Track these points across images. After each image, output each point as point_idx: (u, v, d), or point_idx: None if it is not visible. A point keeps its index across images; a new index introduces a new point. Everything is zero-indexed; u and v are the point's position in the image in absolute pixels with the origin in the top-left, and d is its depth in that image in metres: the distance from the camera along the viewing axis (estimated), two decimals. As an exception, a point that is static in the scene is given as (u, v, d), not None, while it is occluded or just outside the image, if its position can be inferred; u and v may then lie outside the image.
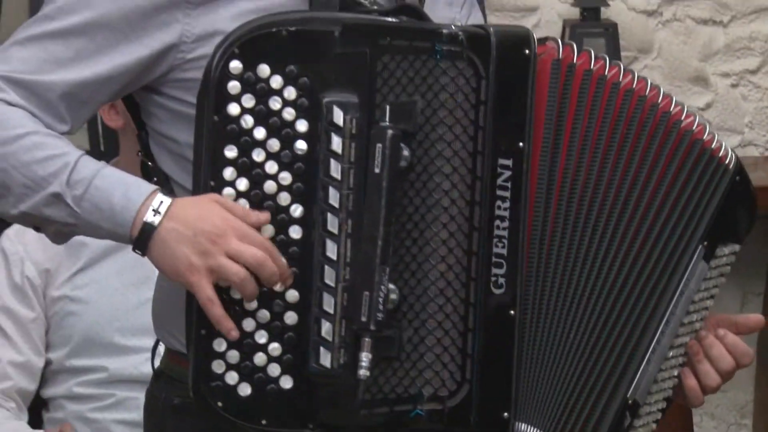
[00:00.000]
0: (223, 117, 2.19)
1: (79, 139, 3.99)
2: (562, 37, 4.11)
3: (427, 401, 2.20)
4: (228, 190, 2.18)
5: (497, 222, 2.21)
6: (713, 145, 2.31)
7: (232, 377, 2.17)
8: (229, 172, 2.19)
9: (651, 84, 2.30)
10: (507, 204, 2.21)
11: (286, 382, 2.17)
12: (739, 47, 4.36)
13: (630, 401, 2.29)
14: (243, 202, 2.19)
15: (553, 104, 2.24)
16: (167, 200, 2.19)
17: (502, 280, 2.22)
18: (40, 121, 2.26)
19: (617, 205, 2.28)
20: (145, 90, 2.33)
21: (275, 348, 2.18)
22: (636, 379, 2.29)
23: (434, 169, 2.21)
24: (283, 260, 2.17)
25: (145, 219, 2.18)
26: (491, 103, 2.21)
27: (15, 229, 3.43)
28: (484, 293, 2.20)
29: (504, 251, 2.21)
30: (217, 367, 2.17)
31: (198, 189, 2.22)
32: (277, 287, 2.17)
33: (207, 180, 2.19)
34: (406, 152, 2.18)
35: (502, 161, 2.21)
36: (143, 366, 3.28)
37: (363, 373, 2.15)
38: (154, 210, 2.18)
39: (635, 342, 2.28)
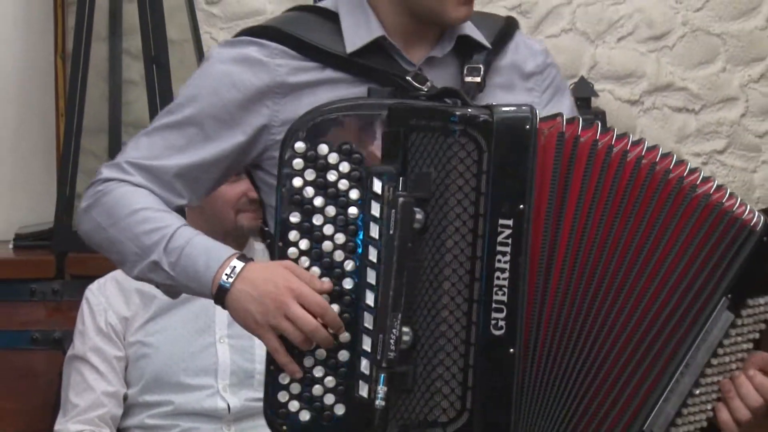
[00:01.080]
0: (288, 189, 2.24)
1: None
2: (559, 123, 4.15)
3: (431, 426, 2.20)
4: (292, 250, 2.24)
5: (498, 273, 2.19)
6: (736, 209, 2.24)
7: (294, 405, 2.24)
8: (293, 235, 2.24)
9: (662, 153, 2.25)
10: (507, 258, 2.19)
11: (339, 409, 2.23)
12: (708, 131, 4.30)
13: None
14: (304, 260, 2.24)
15: (557, 171, 2.21)
16: (240, 265, 2.25)
17: (502, 323, 2.19)
18: (160, 198, 2.34)
19: (625, 262, 2.23)
20: (254, 167, 2.39)
21: (330, 380, 2.23)
22: (653, 414, 2.25)
23: (441, 229, 2.21)
24: (336, 317, 2.22)
25: (220, 282, 2.25)
26: (492, 173, 2.19)
27: (98, 284, 3.42)
28: (485, 335, 2.19)
29: (504, 298, 2.19)
30: (282, 396, 2.24)
31: (273, 252, 2.30)
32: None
33: (277, 242, 2.26)
34: (419, 215, 2.20)
35: (503, 221, 2.19)
36: (204, 401, 3.32)
37: (378, 403, 2.18)
38: (227, 274, 2.24)
39: (651, 382, 2.25)
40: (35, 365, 3.74)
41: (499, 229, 2.20)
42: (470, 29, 2.40)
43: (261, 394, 3.32)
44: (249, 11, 4.13)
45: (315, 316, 2.21)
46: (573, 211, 2.23)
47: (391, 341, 2.19)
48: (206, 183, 2.40)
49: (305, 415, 2.24)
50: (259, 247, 3.50)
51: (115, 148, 3.95)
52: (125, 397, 3.39)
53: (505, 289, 2.20)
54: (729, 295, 2.25)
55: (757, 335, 2.28)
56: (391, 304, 2.20)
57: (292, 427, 2.25)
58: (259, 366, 3.31)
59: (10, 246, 3.94)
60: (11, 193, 4.06)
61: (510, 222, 2.20)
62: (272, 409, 2.26)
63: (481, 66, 2.37)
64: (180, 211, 2.42)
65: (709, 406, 2.28)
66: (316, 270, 2.25)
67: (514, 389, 2.21)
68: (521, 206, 2.20)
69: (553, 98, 2.46)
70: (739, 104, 4.29)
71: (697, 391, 2.26)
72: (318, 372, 2.25)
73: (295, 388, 2.24)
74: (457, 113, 2.20)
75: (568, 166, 2.22)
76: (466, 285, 2.20)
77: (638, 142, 2.24)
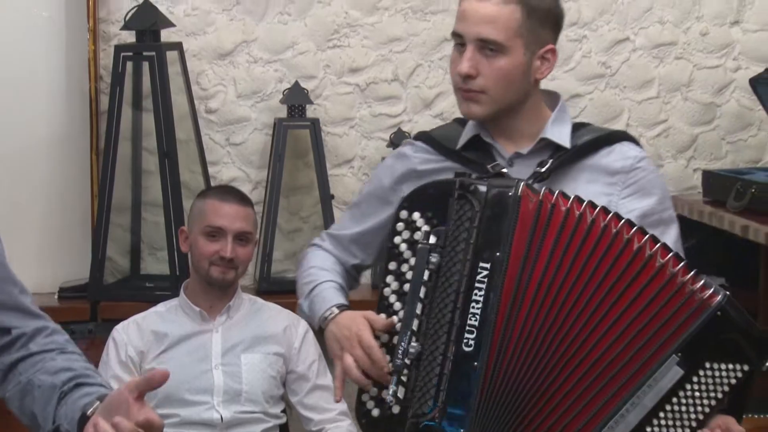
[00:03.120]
0: (392, 245, 2.32)
1: (159, 266, 4.07)
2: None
3: (421, 416, 2.23)
4: (387, 290, 2.31)
5: (473, 304, 2.20)
6: (697, 287, 2.16)
7: (370, 404, 2.30)
8: (389, 279, 2.31)
9: (637, 228, 2.19)
10: (482, 292, 2.20)
11: (396, 409, 2.25)
12: None
13: None
14: (393, 297, 2.30)
15: (535, 230, 2.20)
16: (335, 312, 2.38)
17: (471, 342, 2.20)
18: (338, 258, 2.56)
19: (585, 310, 2.19)
20: None
21: (391, 387, 2.26)
22: None
23: (451, 271, 2.24)
24: (380, 357, 2.26)
25: (320, 324, 2.41)
26: (480, 227, 2.22)
27: (122, 325, 3.41)
28: (457, 350, 2.20)
29: (476, 323, 2.20)
30: (365, 398, 2.31)
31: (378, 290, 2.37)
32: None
33: (380, 284, 2.34)
34: (434, 258, 2.24)
35: (482, 264, 2.21)
36: (202, 414, 3.32)
37: (388, 399, 2.25)
38: (325, 318, 2.39)
39: (597, 413, 2.18)
40: None
41: (479, 270, 2.22)
42: (555, 133, 2.40)
43: (246, 408, 3.41)
44: (238, 118, 4.07)
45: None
46: (545, 261, 2.21)
47: (399, 353, 2.24)
48: (374, 247, 2.54)
49: (376, 412, 2.29)
50: (245, 297, 3.51)
51: (136, 222, 4.00)
52: (142, 412, 3.40)
53: (477, 316, 2.20)
54: (679, 354, 2.16)
55: (720, 396, 2.16)
56: (404, 324, 2.25)
57: (367, 421, 2.31)
58: (246, 386, 3.35)
59: (56, 296, 3.88)
60: (57, 256, 4.00)
61: (488, 265, 2.21)
62: (359, 407, 2.32)
63: (549, 161, 2.35)
64: (356, 269, 2.58)
65: None
66: (398, 305, 2.29)
67: (474, 393, 2.20)
68: (497, 254, 2.21)
69: (634, 194, 2.41)
70: None
71: (648, 429, 2.17)
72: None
73: (373, 392, 2.29)
74: (460, 181, 2.26)
75: (544, 226, 2.21)
76: (451, 311, 2.22)
77: (610, 214, 2.21)
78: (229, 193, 3.45)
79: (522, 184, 2.24)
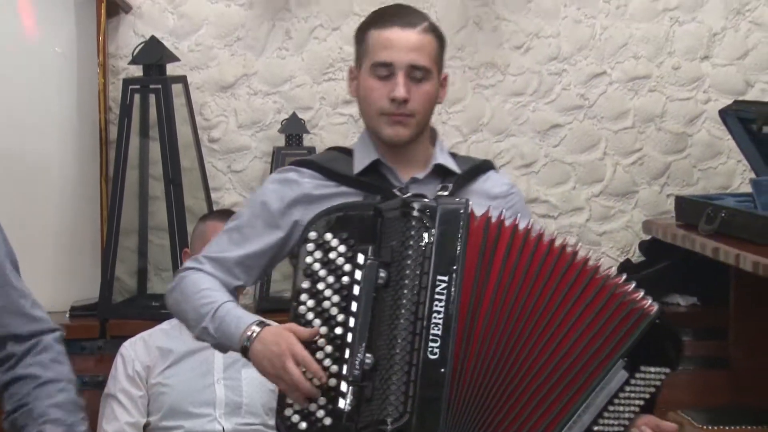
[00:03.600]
0: (303, 265, 2.29)
1: (165, 286, 4.03)
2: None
3: (382, 424, 2.19)
4: (302, 308, 2.27)
5: (435, 314, 2.20)
6: (638, 298, 2.25)
7: (295, 418, 2.25)
8: (303, 297, 2.28)
9: (576, 248, 2.26)
10: (443, 303, 2.20)
11: (327, 421, 2.23)
12: (563, 231, 4.13)
13: None
14: (311, 315, 2.26)
15: (485, 247, 2.23)
16: (257, 330, 2.28)
17: (436, 350, 2.20)
18: (222, 281, 2.40)
19: (540, 320, 2.22)
20: (293, 258, 2.41)
21: (321, 400, 2.24)
22: None
23: (400, 285, 2.23)
24: (318, 369, 2.21)
25: (243, 344, 2.29)
26: (435, 244, 2.22)
27: (130, 342, 3.40)
28: (423, 358, 2.19)
29: (439, 332, 2.20)
30: (288, 411, 2.26)
31: (290, 311, 2.31)
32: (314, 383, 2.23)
33: (292, 302, 2.30)
34: (382, 273, 2.23)
35: (440, 277, 2.21)
36: (206, 425, 3.31)
37: (345, 408, 2.21)
38: (248, 337, 2.28)
39: (556, 415, 2.22)
40: (85, 402, 3.71)
41: (437, 283, 2.22)
42: (444, 160, 2.43)
43: (247, 420, 3.39)
44: (239, 147, 4.08)
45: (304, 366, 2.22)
46: (497, 274, 2.24)
47: (356, 363, 2.21)
48: (257, 270, 2.45)
49: (303, 425, 2.25)
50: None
51: (143, 244, 3.99)
52: (147, 424, 3.35)
53: (440, 326, 2.20)
54: (625, 359, 2.23)
55: (648, 396, 2.25)
56: (358, 337, 2.22)
57: None
58: (246, 399, 3.34)
59: (67, 315, 3.85)
60: (69, 276, 3.98)
61: (446, 278, 2.22)
62: (281, 421, 2.28)
63: (450, 185, 2.39)
64: (236, 291, 2.46)
65: None
66: (317, 321, 2.26)
67: (443, 399, 2.20)
68: (454, 267, 2.22)
69: (513, 216, 2.41)
70: (584, 212, 4.26)
71: (596, 428, 2.23)
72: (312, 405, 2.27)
73: (296, 405, 2.26)
74: (415, 204, 2.26)
75: (494, 241, 2.24)
76: (412, 322, 2.21)
77: (553, 235, 2.27)
78: (229, 216, 3.45)
79: (468, 201, 2.27)
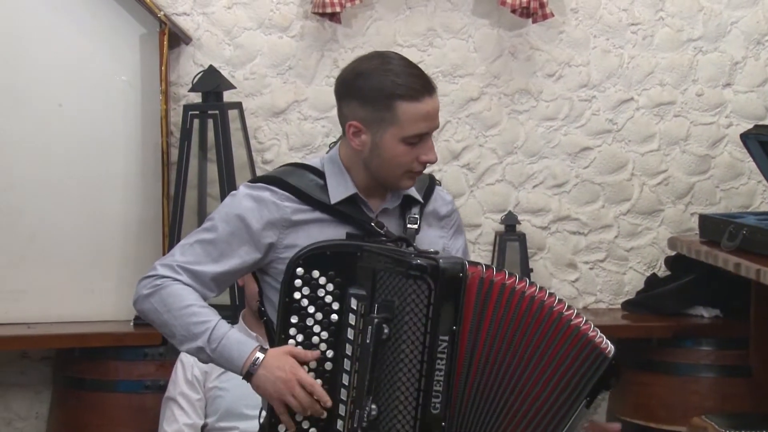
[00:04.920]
0: (291, 300, 2.25)
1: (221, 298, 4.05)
2: (494, 243, 4.09)
3: None
4: (291, 341, 2.24)
5: (437, 372, 2.17)
6: (596, 339, 2.26)
7: None
8: (292, 331, 2.25)
9: (549, 293, 2.25)
10: (444, 362, 2.17)
11: None
12: (593, 247, 4.21)
13: None
14: (299, 348, 2.23)
15: (478, 303, 2.21)
16: (261, 356, 2.22)
17: (438, 405, 2.17)
18: (198, 292, 2.30)
19: (522, 368, 2.22)
20: (260, 272, 2.37)
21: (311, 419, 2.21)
22: None
23: (401, 340, 2.19)
24: (324, 394, 2.20)
25: (248, 369, 2.24)
26: (435, 304, 2.17)
27: None
28: (426, 413, 2.17)
29: (440, 388, 2.17)
30: (281, 428, 2.24)
31: (275, 340, 2.27)
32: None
33: (281, 335, 2.25)
34: (386, 330, 2.19)
35: (441, 337, 2.17)
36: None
37: None
38: (253, 363, 2.23)
39: None
40: (146, 404, 3.71)
41: (439, 342, 2.18)
42: (411, 190, 2.39)
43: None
44: (290, 168, 4.16)
45: (309, 392, 2.20)
46: (487, 330, 2.22)
47: (365, 415, 2.18)
48: (229, 283, 2.42)
49: None
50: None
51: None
52: (205, 426, 3.39)
53: (442, 383, 2.17)
54: (587, 398, 2.27)
55: (594, 413, 2.33)
56: (366, 389, 2.19)
57: None
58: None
59: (131, 323, 3.86)
60: (132, 288, 3.98)
61: (447, 338, 2.18)
62: None
63: (417, 216, 2.36)
64: None
65: None
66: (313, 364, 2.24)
67: None
68: (454, 327, 2.19)
69: (454, 234, 2.46)
70: (613, 229, 4.25)
71: None
72: (305, 425, 2.24)
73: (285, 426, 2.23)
74: (414, 263, 2.18)
75: (485, 301, 2.22)
76: (417, 379, 2.18)
77: (533, 284, 2.25)
78: None
79: (466, 263, 2.22)
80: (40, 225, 3.96)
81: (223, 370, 3.19)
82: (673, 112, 4.26)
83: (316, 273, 2.24)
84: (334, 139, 4.07)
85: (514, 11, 4.00)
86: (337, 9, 3.91)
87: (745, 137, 3.93)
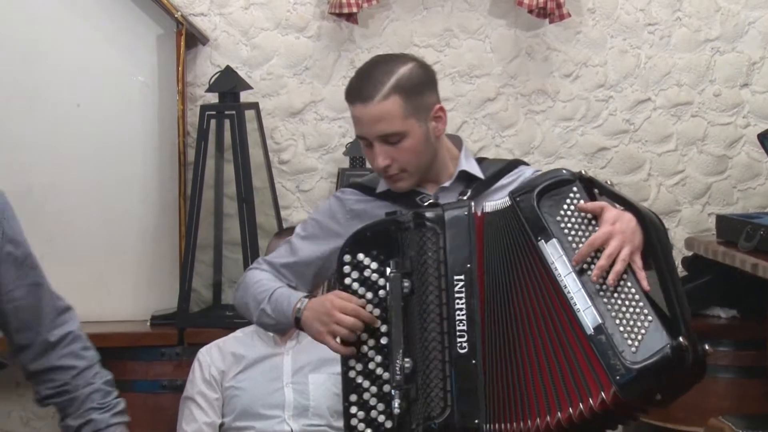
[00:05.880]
0: (344, 287, 2.35)
1: None
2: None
3: (428, 419, 2.22)
4: None
5: (458, 312, 2.23)
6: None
7: (360, 426, 2.32)
8: None
9: None
10: (463, 301, 2.23)
11: (388, 423, 2.29)
12: None
13: None
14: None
15: (487, 240, 2.25)
16: (305, 301, 2.38)
17: (465, 344, 2.21)
18: (274, 277, 2.50)
19: (531, 300, 2.20)
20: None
21: (380, 406, 2.30)
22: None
23: (426, 291, 2.26)
24: (369, 314, 2.30)
25: (295, 315, 2.38)
26: (446, 247, 2.25)
27: (206, 348, 3.46)
28: (454, 353, 2.22)
29: (465, 328, 2.22)
30: (354, 421, 2.32)
31: None
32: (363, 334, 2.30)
33: None
34: (407, 283, 2.26)
35: (456, 277, 2.23)
36: (275, 426, 3.34)
37: (395, 411, 2.24)
38: (298, 309, 2.38)
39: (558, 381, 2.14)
40: (163, 404, 3.72)
41: (455, 282, 2.24)
42: (468, 166, 2.45)
43: (314, 422, 3.41)
44: (306, 168, 4.11)
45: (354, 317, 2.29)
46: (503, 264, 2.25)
47: (397, 369, 2.24)
48: (308, 277, 2.53)
49: (367, 430, 2.31)
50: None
51: (218, 258, 4.01)
52: (222, 425, 3.39)
53: (464, 321, 2.22)
54: None
55: None
56: (394, 343, 2.26)
57: None
58: (313, 402, 3.37)
59: (148, 323, 3.90)
60: (149, 288, 4.04)
61: (462, 276, 2.24)
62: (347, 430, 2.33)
63: (468, 191, 2.41)
64: None
65: None
66: (364, 335, 2.32)
67: (478, 388, 2.21)
68: (468, 265, 2.25)
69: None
70: None
71: None
72: (372, 401, 2.31)
73: (360, 415, 2.31)
74: (417, 213, 2.29)
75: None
76: (439, 323, 2.23)
77: None
78: None
79: (471, 202, 2.29)
80: (58, 225, 3.98)
81: (240, 369, 3.35)
82: (691, 113, 4.24)
83: (360, 256, 2.33)
84: (351, 139, 4.12)
85: (530, 11, 4.00)
86: (354, 9, 3.92)
87: (762, 137, 3.92)
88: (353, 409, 2.31)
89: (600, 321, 2.09)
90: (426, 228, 2.27)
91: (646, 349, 2.04)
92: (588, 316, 2.10)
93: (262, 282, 2.49)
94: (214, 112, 3.87)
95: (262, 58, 4.09)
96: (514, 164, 2.52)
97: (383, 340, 2.30)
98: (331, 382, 3.40)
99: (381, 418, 2.29)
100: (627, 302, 2.10)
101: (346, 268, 2.34)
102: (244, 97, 3.94)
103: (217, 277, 4.03)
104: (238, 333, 3.53)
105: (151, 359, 3.78)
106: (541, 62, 4.18)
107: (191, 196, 3.86)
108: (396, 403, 2.23)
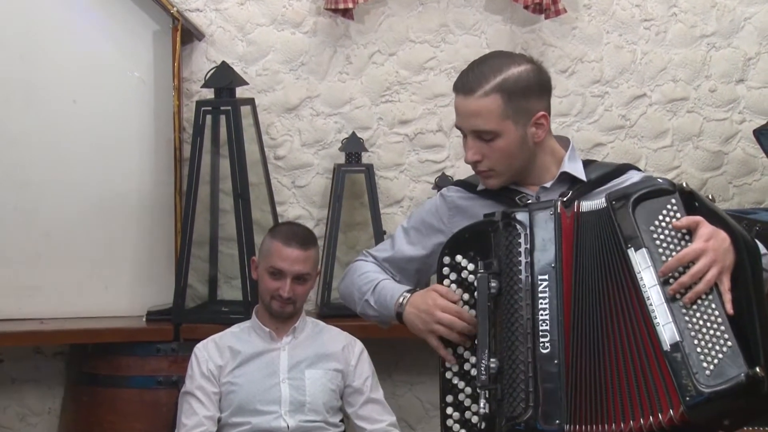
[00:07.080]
0: (441, 285, 2.36)
1: (234, 293, 4.03)
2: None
3: (511, 419, 2.17)
4: None
5: (541, 312, 2.19)
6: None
7: (456, 427, 2.31)
8: None
9: None
10: (546, 301, 2.19)
11: (482, 425, 2.25)
12: None
13: None
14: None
15: (576, 239, 2.22)
16: (407, 297, 2.38)
17: (548, 345, 2.17)
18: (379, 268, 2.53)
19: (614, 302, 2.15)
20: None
21: (473, 406, 2.28)
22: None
23: (513, 291, 2.23)
24: (468, 315, 2.30)
25: (397, 310, 2.39)
26: (531, 247, 2.23)
27: (202, 344, 3.45)
28: (537, 353, 2.17)
29: (547, 328, 2.18)
30: (449, 422, 2.31)
31: None
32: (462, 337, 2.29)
33: None
34: (494, 283, 2.25)
35: (541, 277, 2.20)
36: (271, 422, 3.34)
37: (482, 411, 2.22)
38: (400, 304, 2.38)
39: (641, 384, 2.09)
40: (159, 399, 3.72)
41: (539, 282, 2.21)
42: (571, 167, 2.42)
43: (310, 417, 3.42)
44: (302, 164, 4.09)
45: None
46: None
47: (483, 369, 2.22)
48: (409, 272, 2.54)
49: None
50: (309, 320, 3.54)
51: (214, 254, 4.00)
52: (219, 420, 3.40)
53: (547, 322, 2.18)
54: None
55: None
56: (480, 344, 2.24)
57: None
58: (309, 398, 3.38)
59: (144, 319, 3.90)
60: (145, 284, 4.02)
61: (546, 277, 2.21)
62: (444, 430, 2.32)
63: (569, 192, 2.36)
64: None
65: None
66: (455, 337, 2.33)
67: (560, 389, 2.16)
68: (553, 265, 2.21)
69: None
70: None
71: None
72: (467, 402, 2.30)
73: (455, 416, 2.30)
74: (503, 212, 2.28)
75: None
76: (523, 323, 2.20)
77: None
78: (294, 237, 3.45)
79: (558, 202, 2.26)
80: (54, 221, 3.97)
81: (236, 364, 3.39)
82: (686, 108, 4.25)
83: (458, 257, 2.33)
84: (347, 135, 4.12)
85: (526, 7, 4.01)
86: (350, 5, 3.92)
87: (758, 133, 3.92)
88: (449, 410, 2.31)
89: (678, 339, 2.05)
90: (513, 228, 2.25)
91: (720, 373, 2.01)
92: (666, 331, 2.07)
93: (368, 273, 2.50)
94: (209, 108, 3.85)
95: (258, 53, 4.08)
96: (624, 169, 2.48)
97: (476, 341, 2.28)
98: (327, 378, 3.41)
99: (474, 419, 2.28)
100: (709, 323, 2.07)
101: (445, 270, 2.34)
102: (240, 92, 3.93)
103: (212, 272, 4.02)
104: (234, 328, 3.53)
105: (147, 355, 3.77)
106: (537, 58, 4.15)
107: (187, 191, 3.84)
108: (482, 403, 2.22)
